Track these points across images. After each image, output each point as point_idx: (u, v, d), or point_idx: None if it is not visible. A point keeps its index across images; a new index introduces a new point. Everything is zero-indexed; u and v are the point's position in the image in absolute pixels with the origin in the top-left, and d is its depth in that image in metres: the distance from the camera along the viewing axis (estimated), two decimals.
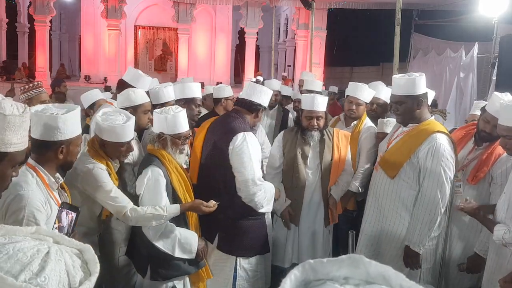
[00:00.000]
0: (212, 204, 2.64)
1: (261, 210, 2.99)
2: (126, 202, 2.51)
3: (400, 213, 2.95)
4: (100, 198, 2.50)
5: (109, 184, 2.51)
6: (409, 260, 2.92)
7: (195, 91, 3.45)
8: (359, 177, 3.74)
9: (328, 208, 3.57)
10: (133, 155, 2.95)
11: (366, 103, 3.99)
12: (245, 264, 3.10)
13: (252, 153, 2.86)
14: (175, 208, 2.57)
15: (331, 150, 3.52)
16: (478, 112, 3.55)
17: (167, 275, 2.74)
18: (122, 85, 3.56)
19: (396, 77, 2.99)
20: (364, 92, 3.93)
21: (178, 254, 2.68)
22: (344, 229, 3.74)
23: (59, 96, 6.77)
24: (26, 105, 1.54)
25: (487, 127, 2.92)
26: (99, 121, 2.55)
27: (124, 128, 2.55)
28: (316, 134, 3.47)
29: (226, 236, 3.04)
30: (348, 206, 3.94)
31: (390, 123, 3.65)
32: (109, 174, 2.57)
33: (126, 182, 2.84)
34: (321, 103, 3.47)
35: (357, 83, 4.05)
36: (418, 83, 2.87)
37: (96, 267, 0.89)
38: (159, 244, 2.64)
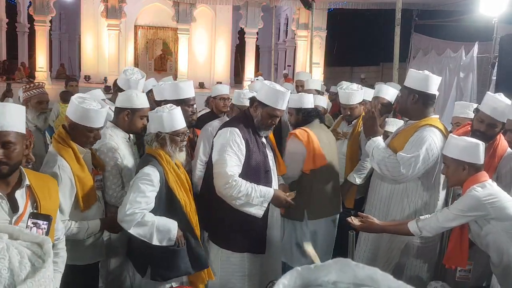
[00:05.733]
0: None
1: (244, 210, 2.85)
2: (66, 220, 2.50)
3: (405, 207, 2.94)
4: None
5: (67, 193, 2.49)
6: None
7: (188, 92, 3.35)
8: (359, 170, 3.78)
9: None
10: (124, 158, 2.94)
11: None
12: (228, 256, 3.05)
13: (221, 147, 2.86)
14: (96, 224, 2.64)
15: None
16: (463, 115, 3.55)
17: (167, 275, 2.71)
18: (116, 87, 3.57)
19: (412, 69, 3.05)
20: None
21: (155, 241, 2.58)
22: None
23: (63, 96, 6.40)
24: None
25: (482, 126, 2.89)
26: (75, 103, 2.57)
27: (97, 113, 2.58)
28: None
29: (213, 224, 3.04)
30: (347, 204, 3.95)
31: (393, 122, 3.66)
32: (77, 160, 2.55)
33: (109, 186, 2.87)
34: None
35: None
36: (427, 79, 2.86)
37: (48, 261, 0.87)
38: (135, 232, 2.54)
